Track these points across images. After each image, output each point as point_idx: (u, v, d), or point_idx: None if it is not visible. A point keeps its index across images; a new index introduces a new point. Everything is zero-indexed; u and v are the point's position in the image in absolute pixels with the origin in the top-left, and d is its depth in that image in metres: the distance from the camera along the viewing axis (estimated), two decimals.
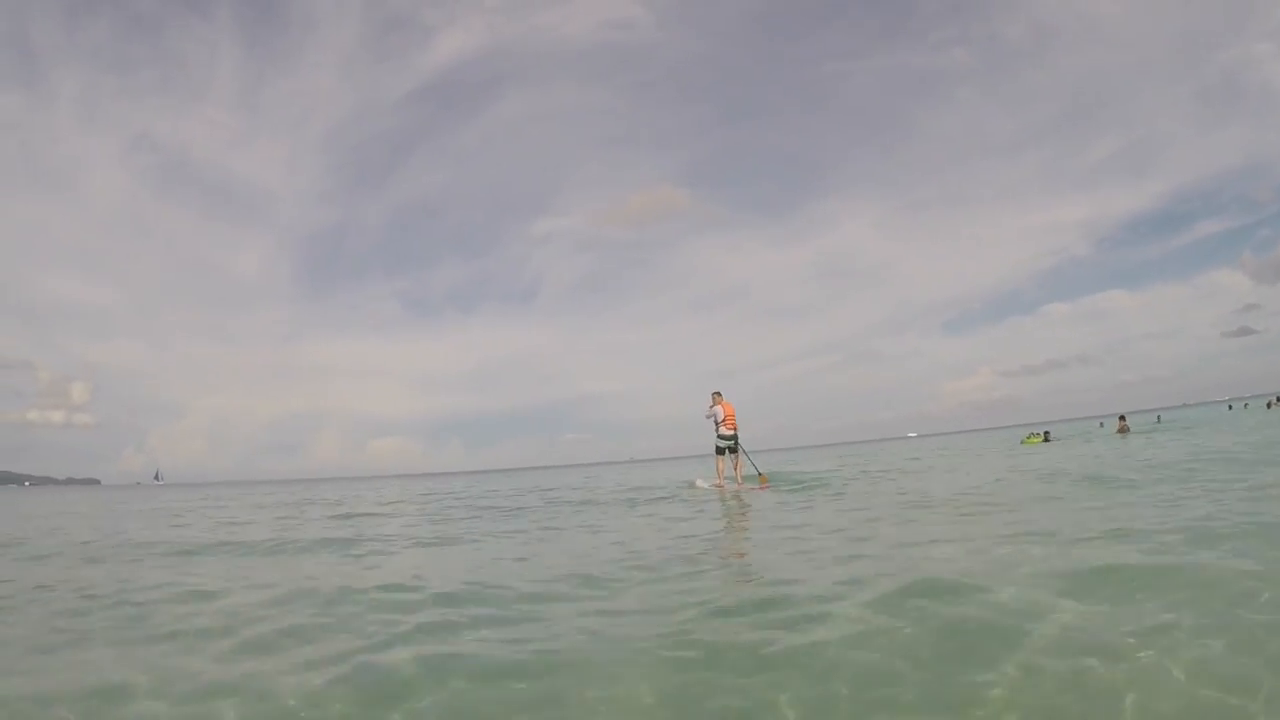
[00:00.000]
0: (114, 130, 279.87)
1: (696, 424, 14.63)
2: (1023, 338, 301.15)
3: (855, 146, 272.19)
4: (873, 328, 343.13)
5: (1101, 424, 30.37)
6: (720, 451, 14.11)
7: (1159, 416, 39.35)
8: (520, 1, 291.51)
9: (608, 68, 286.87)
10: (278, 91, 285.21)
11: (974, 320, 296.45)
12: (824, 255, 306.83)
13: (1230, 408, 52.93)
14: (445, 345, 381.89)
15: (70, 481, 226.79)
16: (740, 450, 14.12)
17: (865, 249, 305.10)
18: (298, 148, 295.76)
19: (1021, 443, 25.91)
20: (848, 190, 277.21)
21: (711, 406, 14.18)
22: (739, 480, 13.79)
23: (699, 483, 15.21)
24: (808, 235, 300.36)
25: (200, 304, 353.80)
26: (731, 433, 14.05)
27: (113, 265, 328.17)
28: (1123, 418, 26.91)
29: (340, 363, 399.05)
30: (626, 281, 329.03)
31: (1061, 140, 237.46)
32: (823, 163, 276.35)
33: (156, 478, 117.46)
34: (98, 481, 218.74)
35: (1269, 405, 38.73)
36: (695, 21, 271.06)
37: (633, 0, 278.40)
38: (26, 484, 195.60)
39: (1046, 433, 26.70)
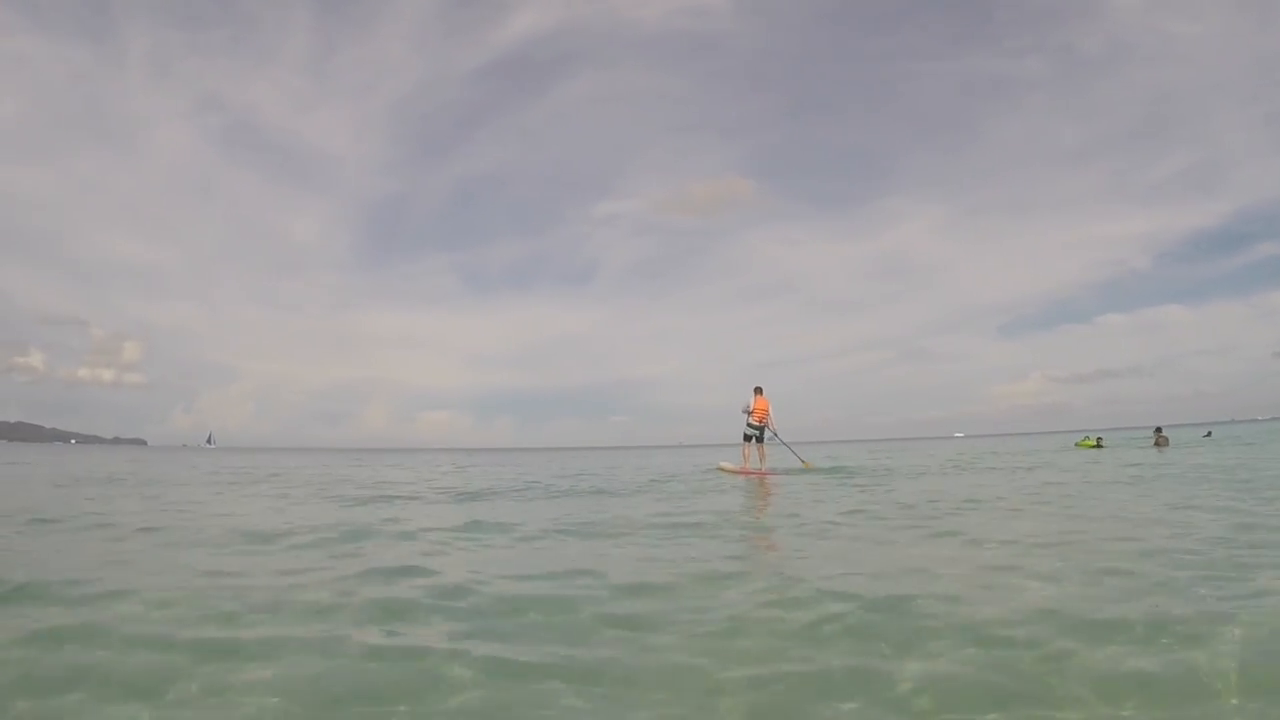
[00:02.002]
0: (182, 88, 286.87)
1: (738, 415, 16.35)
2: (1076, 346, 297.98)
3: (920, 147, 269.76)
4: (926, 327, 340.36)
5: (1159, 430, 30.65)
6: (747, 438, 16.00)
7: (1209, 431, 39.28)
8: None
9: (680, 54, 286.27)
10: (348, 58, 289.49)
11: (1028, 325, 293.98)
12: (882, 252, 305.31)
13: None
14: (499, 321, 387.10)
15: (117, 441, 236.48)
16: (772, 439, 16.05)
17: (924, 249, 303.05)
18: (365, 116, 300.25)
19: (1076, 445, 26.53)
20: (910, 190, 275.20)
21: (749, 401, 16.07)
22: (762, 466, 15.62)
23: (724, 465, 17.07)
24: (867, 232, 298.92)
25: (257, 268, 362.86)
26: (759, 424, 15.87)
27: (172, 225, 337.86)
28: (1159, 430, 27.18)
29: (393, 333, 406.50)
30: (684, 268, 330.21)
31: (1128, 154, 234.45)
32: (887, 161, 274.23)
33: (209, 441, 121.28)
34: (144, 442, 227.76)
35: None
36: (770, 12, 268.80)
37: None
38: (73, 441, 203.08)
39: (1099, 438, 27.22)
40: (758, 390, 16.09)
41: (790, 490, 11.44)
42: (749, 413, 15.89)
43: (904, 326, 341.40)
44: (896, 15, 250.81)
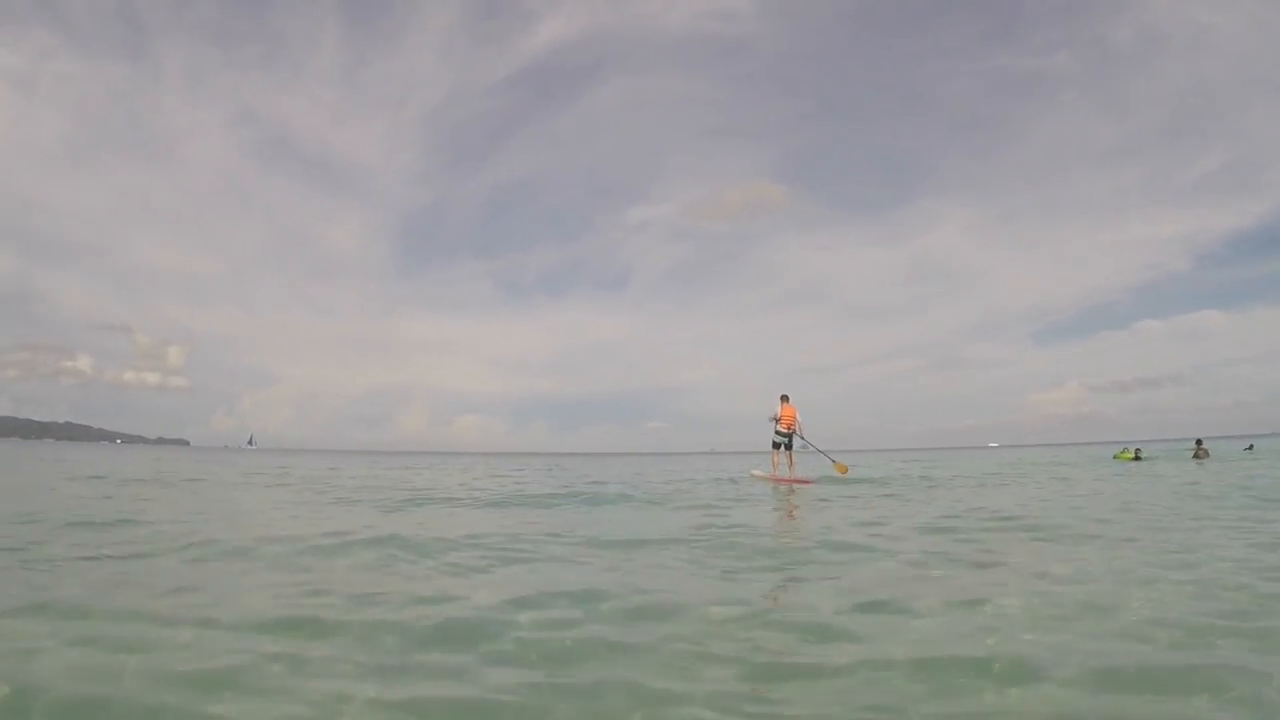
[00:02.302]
0: (218, 103, 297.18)
1: (765, 422, 16.80)
2: (1113, 353, 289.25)
3: (952, 148, 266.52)
4: (960, 333, 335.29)
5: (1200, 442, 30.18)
6: (776, 446, 16.49)
7: (1251, 445, 38.65)
8: None
9: (708, 58, 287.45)
10: (379, 70, 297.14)
11: (1064, 332, 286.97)
12: (915, 257, 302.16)
13: None
14: (534, 327, 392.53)
15: (161, 441, 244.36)
16: (804, 447, 16.44)
17: (957, 253, 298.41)
18: (397, 126, 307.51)
19: (1114, 457, 26.56)
20: (943, 193, 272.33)
21: (776, 409, 16.54)
22: (791, 473, 16.08)
23: (755, 472, 17.66)
24: (900, 236, 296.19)
25: (296, 275, 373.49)
26: (787, 431, 16.34)
27: (212, 234, 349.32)
28: (1199, 442, 27.03)
29: (430, 339, 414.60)
30: (717, 274, 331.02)
31: (1165, 151, 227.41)
32: (919, 164, 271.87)
33: (250, 442, 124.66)
34: (187, 442, 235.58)
35: None
36: (797, 15, 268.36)
37: None
38: (119, 441, 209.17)
39: (1137, 450, 27.21)
40: (784, 398, 16.60)
41: (821, 502, 11.20)
42: (776, 420, 16.40)
43: (937, 333, 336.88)
44: (923, 15, 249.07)
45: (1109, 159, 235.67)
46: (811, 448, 16.59)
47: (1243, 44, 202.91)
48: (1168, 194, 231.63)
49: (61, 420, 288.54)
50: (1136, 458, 25.98)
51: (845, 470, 16.75)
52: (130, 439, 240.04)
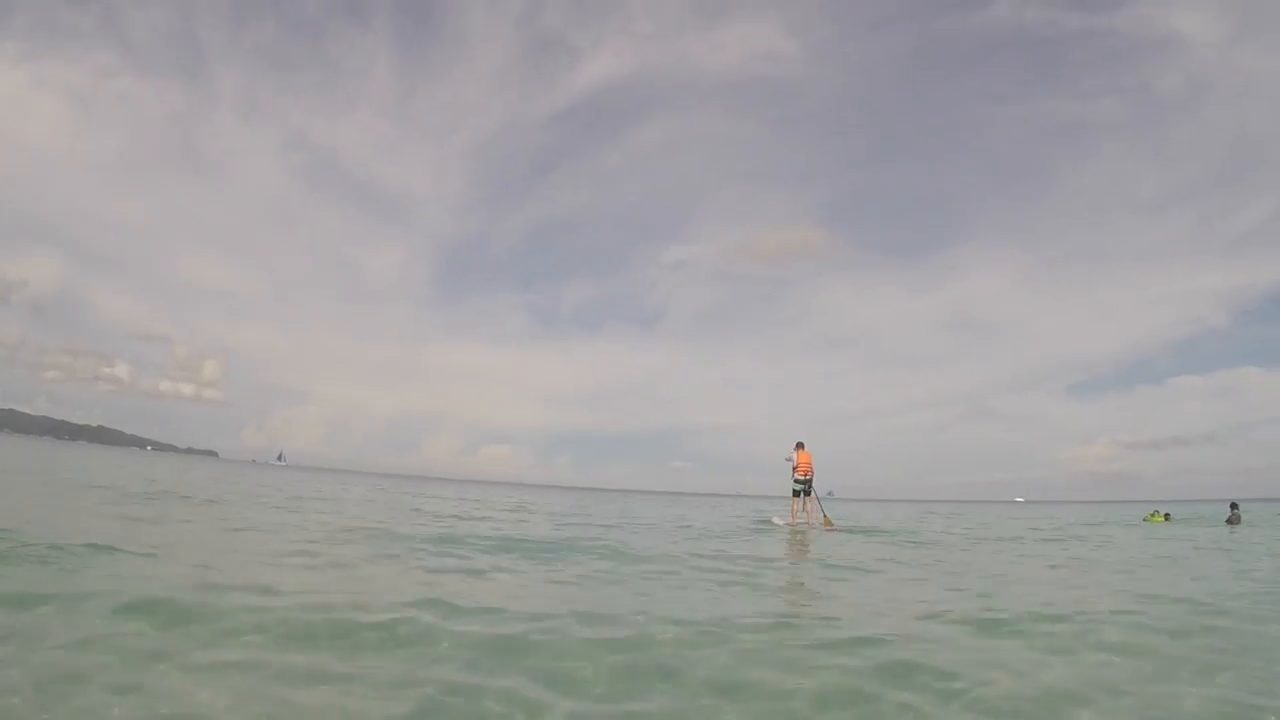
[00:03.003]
0: (270, 126, 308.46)
1: (781, 464, 17.08)
2: (1149, 409, 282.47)
3: (994, 194, 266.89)
4: (995, 384, 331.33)
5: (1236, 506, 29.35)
6: (795, 494, 16.73)
7: None
8: (670, 28, 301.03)
9: (753, 100, 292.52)
10: (428, 102, 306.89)
11: (1100, 386, 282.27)
12: (953, 305, 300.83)
13: None
14: (567, 361, 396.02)
15: (190, 451, 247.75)
16: (814, 495, 16.71)
17: (996, 302, 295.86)
18: (443, 158, 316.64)
19: (1144, 519, 26.25)
20: (983, 239, 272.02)
21: (791, 454, 16.77)
22: (810, 520, 16.40)
23: (775, 519, 17.77)
24: (938, 283, 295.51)
25: (335, 298, 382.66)
26: (805, 478, 16.60)
27: (256, 253, 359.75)
28: (1234, 506, 26.36)
29: (463, 368, 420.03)
30: (752, 316, 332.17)
31: (1209, 202, 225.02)
32: (960, 209, 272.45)
33: (280, 458, 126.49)
34: (215, 454, 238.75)
35: None
36: (844, 59, 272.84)
37: (784, 34, 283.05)
38: (149, 448, 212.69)
39: (1167, 513, 26.88)
40: (799, 445, 16.83)
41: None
42: (794, 467, 16.61)
43: (971, 383, 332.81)
44: (968, 59, 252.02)
45: (1152, 209, 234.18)
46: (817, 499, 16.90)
47: None
48: (1211, 246, 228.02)
49: (95, 424, 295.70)
50: (1166, 519, 25.66)
51: (831, 524, 16.28)
52: (160, 446, 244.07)
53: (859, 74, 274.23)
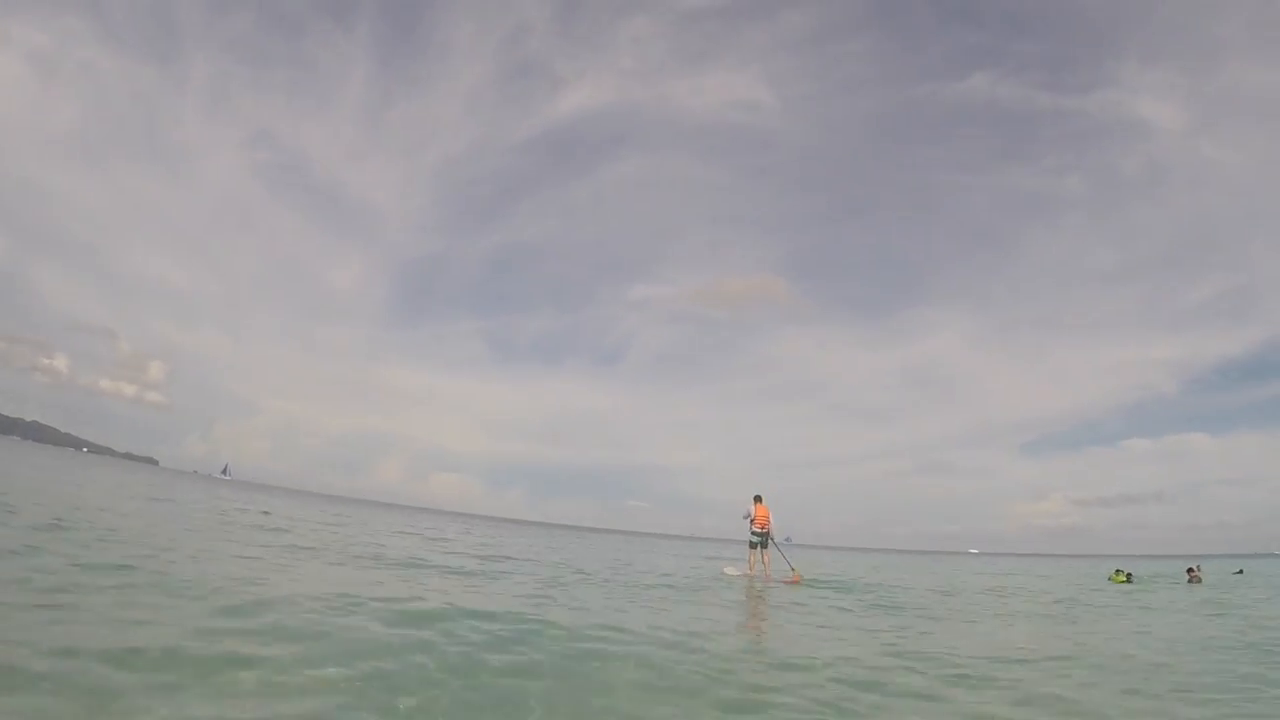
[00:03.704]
0: (237, 121, 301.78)
1: (735, 507, 16.89)
2: (1099, 468, 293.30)
3: (956, 259, 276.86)
4: (949, 440, 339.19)
5: (1198, 566, 29.51)
6: (752, 545, 16.36)
7: (1241, 569, 38.16)
8: (654, 67, 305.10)
9: (728, 146, 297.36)
10: (402, 114, 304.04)
11: (1052, 445, 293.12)
12: (910, 362, 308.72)
13: None
14: (522, 392, 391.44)
15: (129, 456, 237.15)
16: (772, 546, 16.33)
17: (952, 360, 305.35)
18: (412, 172, 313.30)
19: (1109, 579, 25.88)
20: (942, 301, 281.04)
21: (749, 510, 16.40)
22: (767, 572, 15.96)
23: (728, 570, 17.39)
24: (897, 340, 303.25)
25: (290, 308, 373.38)
26: (762, 530, 16.25)
27: (211, 254, 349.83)
28: (1196, 568, 26.42)
29: (416, 391, 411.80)
30: (712, 360, 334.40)
31: (1162, 278, 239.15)
32: (921, 270, 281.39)
33: (224, 472, 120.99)
34: (156, 462, 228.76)
35: None
36: (819, 114, 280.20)
37: (763, 83, 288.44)
38: (85, 450, 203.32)
39: (1129, 573, 26.56)
40: (757, 498, 16.51)
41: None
42: (750, 520, 16.29)
43: (926, 437, 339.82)
44: (941, 126, 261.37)
45: (1108, 281, 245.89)
46: (775, 547, 16.56)
47: (1244, 180, 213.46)
48: (1162, 319, 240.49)
49: (29, 419, 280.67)
50: (1128, 580, 25.30)
51: (799, 579, 15.95)
52: (97, 449, 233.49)
53: (833, 131, 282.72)
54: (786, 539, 16.45)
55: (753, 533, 16.26)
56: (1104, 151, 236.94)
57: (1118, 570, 27.78)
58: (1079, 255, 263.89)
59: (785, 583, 15.22)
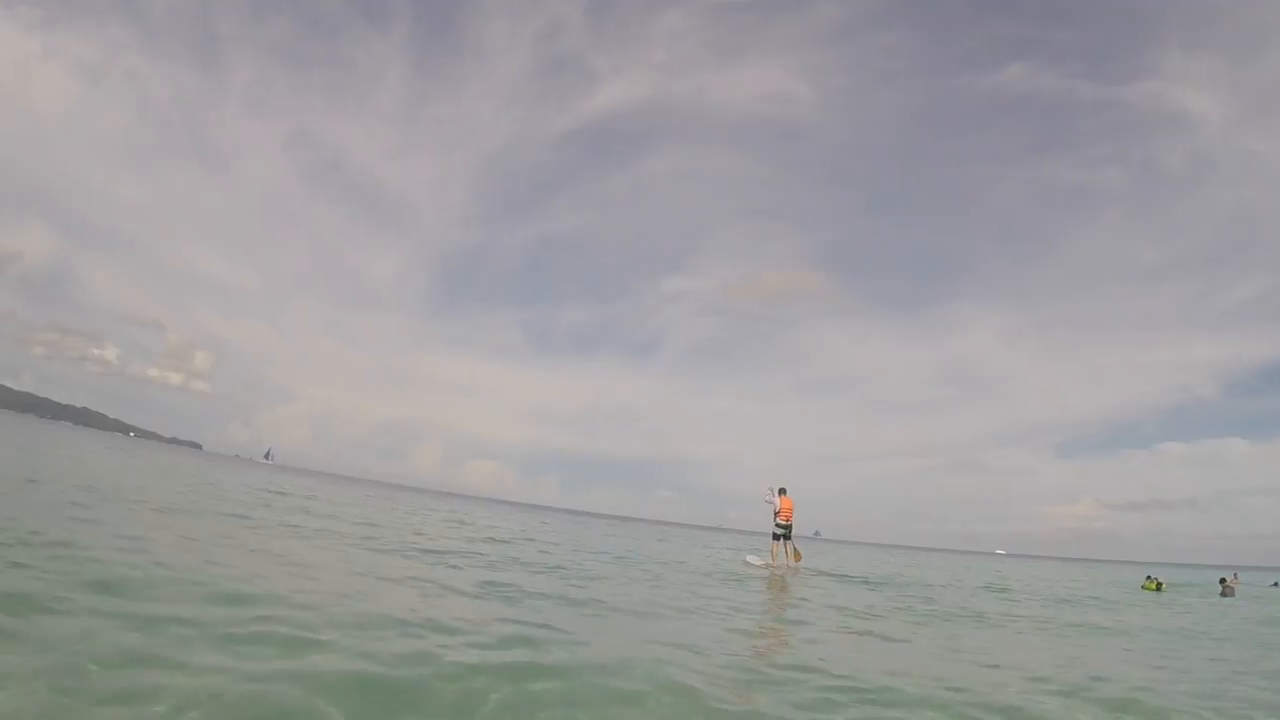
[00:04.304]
0: (278, 121, 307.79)
1: (761, 502, 17.12)
2: (1133, 472, 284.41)
3: (993, 253, 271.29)
4: (983, 437, 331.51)
5: (1235, 575, 28.99)
6: (776, 537, 16.88)
7: (1276, 581, 37.52)
8: (688, 61, 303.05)
9: (764, 139, 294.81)
10: (439, 111, 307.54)
11: (1087, 447, 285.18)
12: (946, 357, 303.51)
13: None
14: (558, 382, 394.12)
15: (175, 441, 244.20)
16: (815, 536, 16.73)
17: (988, 357, 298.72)
18: (449, 167, 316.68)
19: (1142, 587, 25.83)
20: (979, 296, 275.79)
21: (772, 498, 16.83)
22: (789, 563, 16.59)
23: (752, 559, 17.77)
24: (933, 335, 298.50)
25: (330, 299, 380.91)
26: (786, 523, 16.78)
27: (254, 248, 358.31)
28: (1233, 577, 26.06)
29: (454, 380, 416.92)
30: (747, 352, 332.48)
31: (1204, 275, 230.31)
32: (959, 265, 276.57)
33: (267, 456, 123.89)
34: (199, 446, 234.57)
35: None
36: (855, 106, 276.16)
37: (797, 77, 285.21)
38: (131, 434, 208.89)
39: (1160, 582, 26.47)
40: (781, 490, 16.92)
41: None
42: (776, 512, 16.73)
43: (961, 435, 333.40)
44: (979, 118, 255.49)
45: (1148, 278, 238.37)
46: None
47: None
48: (1203, 318, 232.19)
49: (79, 405, 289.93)
50: (1158, 589, 25.24)
51: (798, 558, 16.96)
52: (143, 434, 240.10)
53: (869, 123, 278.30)
54: (815, 534, 16.99)
55: (777, 524, 16.73)
56: (1145, 144, 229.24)
57: (1150, 578, 27.67)
58: (1118, 251, 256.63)
59: (798, 571, 15.88)
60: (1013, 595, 15.68)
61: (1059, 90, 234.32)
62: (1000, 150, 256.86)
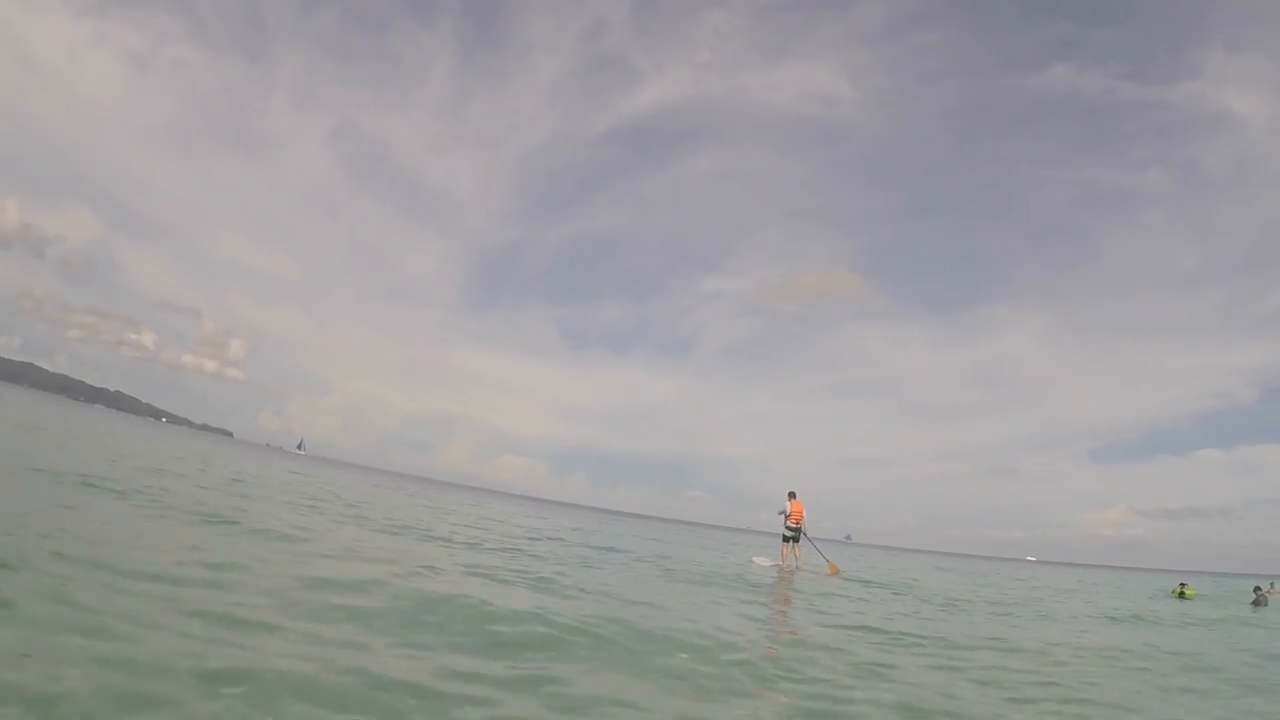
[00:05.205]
0: (323, 113, 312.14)
1: (773, 512, 17.80)
2: (1169, 479, 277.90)
3: (1032, 256, 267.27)
4: (1017, 443, 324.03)
5: (1273, 585, 28.10)
6: (785, 539, 17.49)
7: None
8: (730, 60, 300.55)
9: (804, 140, 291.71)
10: (482, 107, 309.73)
11: (1122, 453, 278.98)
12: (982, 361, 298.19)
13: None
14: (591, 380, 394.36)
15: (205, 428, 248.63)
16: (805, 540, 17.49)
17: (1024, 361, 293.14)
18: (491, 164, 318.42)
19: (1172, 593, 25.34)
20: (1017, 299, 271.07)
21: (785, 506, 17.49)
22: (797, 564, 17.17)
23: (759, 560, 18.34)
24: (970, 338, 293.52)
25: (367, 291, 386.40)
26: (796, 526, 17.34)
27: (293, 239, 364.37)
28: (1271, 586, 25.36)
29: (488, 375, 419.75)
30: (782, 354, 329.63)
31: (1245, 280, 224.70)
32: (997, 267, 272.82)
33: (299, 447, 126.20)
34: (230, 434, 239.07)
35: None
36: (896, 106, 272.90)
37: (840, 77, 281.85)
38: (164, 420, 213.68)
39: (1184, 585, 25.92)
40: (791, 495, 17.49)
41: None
42: (785, 515, 17.27)
43: (994, 439, 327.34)
44: (1021, 119, 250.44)
45: (1188, 282, 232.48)
46: (812, 544, 17.81)
47: None
48: (1244, 323, 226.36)
49: (113, 389, 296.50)
50: (1181, 595, 24.70)
51: (836, 571, 17.28)
52: (175, 419, 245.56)
53: (911, 123, 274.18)
54: (846, 538, 17.13)
55: (787, 527, 17.36)
56: (1187, 145, 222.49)
57: (1182, 584, 27.13)
58: (1158, 254, 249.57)
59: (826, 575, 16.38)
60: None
61: (1101, 91, 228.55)
62: (1041, 152, 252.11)
